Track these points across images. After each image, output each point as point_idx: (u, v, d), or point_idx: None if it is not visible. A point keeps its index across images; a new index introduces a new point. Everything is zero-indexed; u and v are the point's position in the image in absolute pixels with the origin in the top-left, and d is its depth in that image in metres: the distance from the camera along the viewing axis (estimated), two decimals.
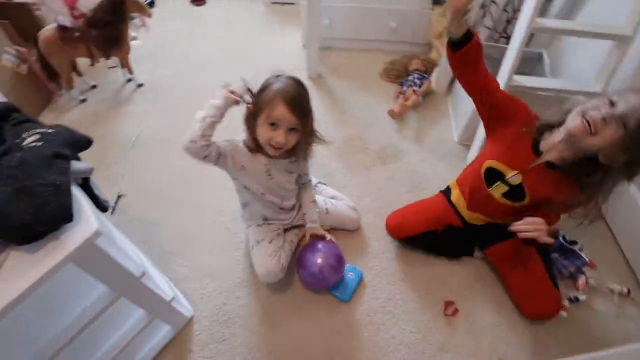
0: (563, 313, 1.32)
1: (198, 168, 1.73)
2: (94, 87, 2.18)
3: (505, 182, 1.16)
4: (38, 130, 0.82)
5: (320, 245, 1.31)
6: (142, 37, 2.56)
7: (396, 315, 1.32)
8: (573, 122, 0.96)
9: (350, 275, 1.38)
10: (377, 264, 1.45)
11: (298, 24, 2.68)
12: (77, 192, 0.79)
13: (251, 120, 1.08)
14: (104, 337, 1.04)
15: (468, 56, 1.07)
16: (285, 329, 1.28)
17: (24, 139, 0.80)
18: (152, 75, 2.27)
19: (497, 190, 1.20)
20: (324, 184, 1.63)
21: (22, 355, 0.81)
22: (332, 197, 1.56)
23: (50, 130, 0.83)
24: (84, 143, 0.90)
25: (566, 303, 1.34)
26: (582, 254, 1.41)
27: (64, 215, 0.68)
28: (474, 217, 1.35)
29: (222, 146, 1.10)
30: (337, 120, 2.03)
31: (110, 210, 1.57)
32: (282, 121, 1.02)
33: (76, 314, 0.86)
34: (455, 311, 1.33)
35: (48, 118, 1.98)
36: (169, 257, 1.44)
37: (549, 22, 1.41)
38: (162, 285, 1.14)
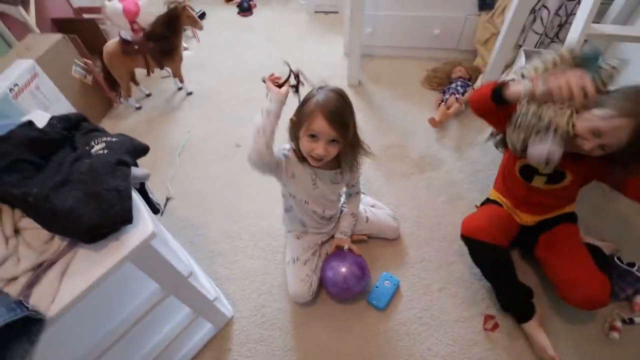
0: (615, 334, 1.23)
1: (240, 173, 1.84)
2: (148, 95, 2.35)
3: (541, 174, 1.21)
4: (104, 139, 0.91)
5: (344, 255, 1.33)
6: (192, 48, 2.72)
7: (432, 326, 1.30)
8: (580, 125, 1.00)
9: (386, 284, 1.38)
10: (414, 273, 1.44)
11: (340, 32, 2.72)
12: (135, 197, 0.87)
13: (294, 131, 1.12)
14: (152, 333, 1.12)
15: (504, 113, 1.12)
16: (320, 334, 1.30)
17: (92, 147, 0.89)
18: (201, 84, 2.41)
19: (538, 182, 1.24)
20: (363, 193, 1.64)
21: (80, 347, 0.89)
22: (372, 206, 1.57)
23: (114, 139, 0.92)
24: (142, 150, 0.99)
25: (619, 324, 1.26)
26: None
27: (125, 218, 0.75)
28: (526, 218, 1.35)
29: (278, 155, 1.15)
30: (376, 128, 2.03)
31: (160, 213, 1.68)
32: (321, 134, 1.04)
33: (130, 310, 0.94)
34: (496, 326, 1.29)
35: (108, 124, 2.16)
36: (212, 258, 1.52)
37: (605, 27, 1.34)
38: (206, 284, 1.21)
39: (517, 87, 1.00)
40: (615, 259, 1.35)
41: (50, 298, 0.71)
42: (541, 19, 1.98)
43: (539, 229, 1.33)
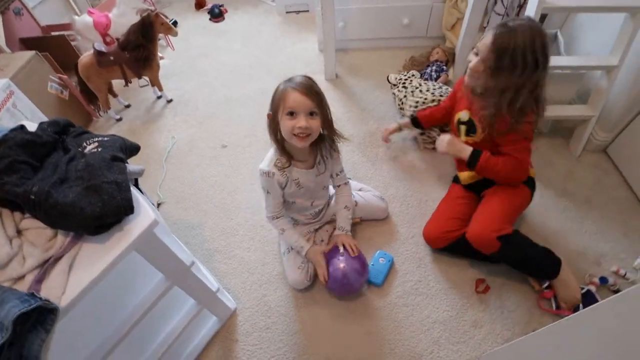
0: (592, 287, 1.30)
1: (229, 172, 1.87)
2: (128, 106, 2.35)
3: (463, 123, 1.41)
4: (96, 139, 0.93)
5: (343, 250, 1.33)
6: (168, 56, 2.73)
7: (429, 296, 1.36)
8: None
9: (381, 261, 1.43)
10: (407, 249, 1.50)
11: (313, 30, 2.78)
12: (133, 189, 0.89)
13: (273, 124, 1.14)
14: (159, 327, 1.14)
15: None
16: (322, 316, 1.34)
17: (85, 147, 0.91)
18: (180, 90, 2.42)
19: (462, 133, 1.42)
20: (349, 178, 1.69)
21: (92, 341, 0.91)
22: (359, 190, 1.62)
23: (106, 138, 0.94)
24: (134, 149, 1.01)
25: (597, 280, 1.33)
26: None
27: (127, 207, 0.77)
28: (466, 177, 1.47)
29: (279, 180, 1.22)
30: (357, 117, 2.09)
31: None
32: (299, 107, 1.06)
33: (136, 302, 0.96)
34: (487, 288, 1.35)
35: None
36: (210, 256, 1.54)
37: (560, 0, 1.43)
38: (208, 276, 1.23)
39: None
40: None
41: (60, 290, 0.73)
42: (502, 0, 2.09)
43: (481, 188, 1.43)
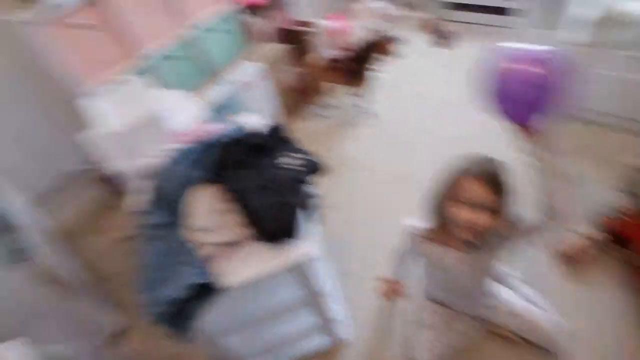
0: None
1: (396, 200, 1.85)
2: (334, 107, 2.60)
3: None
4: (298, 156, 1.06)
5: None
6: (384, 70, 2.84)
7: None
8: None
9: None
10: None
11: None
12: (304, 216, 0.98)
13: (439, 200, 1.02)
14: (279, 328, 1.26)
15: None
16: None
17: (287, 160, 1.05)
18: (384, 108, 2.50)
19: None
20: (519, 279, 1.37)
21: (229, 320, 1.07)
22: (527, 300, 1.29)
23: (306, 158, 1.06)
24: (322, 171, 1.11)
25: None
26: None
27: (292, 233, 0.87)
28: None
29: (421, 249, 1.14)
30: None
31: None
32: (474, 198, 0.92)
33: (274, 305, 1.09)
34: None
35: (295, 123, 2.49)
36: (347, 277, 1.58)
37: None
38: (335, 304, 1.28)
39: None
40: None
41: (227, 273, 0.88)
42: None
43: None
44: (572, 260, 1.42)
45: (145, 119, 1.29)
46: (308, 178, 1.03)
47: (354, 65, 2.23)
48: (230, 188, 0.96)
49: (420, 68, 2.85)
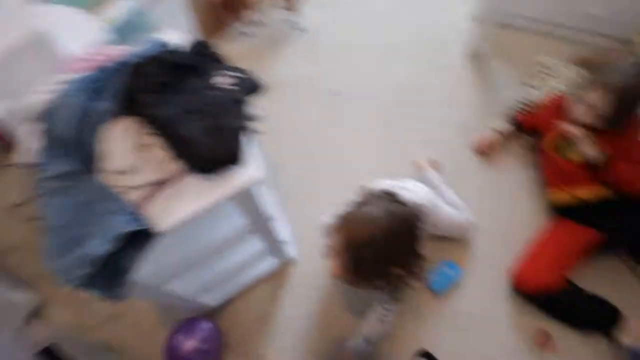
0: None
1: (337, 122, 1.82)
2: (260, 24, 2.34)
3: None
4: (232, 74, 0.93)
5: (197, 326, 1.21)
6: None
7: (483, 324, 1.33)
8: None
9: (448, 271, 1.38)
10: (484, 272, 1.42)
11: None
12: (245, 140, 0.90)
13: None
14: (224, 259, 1.22)
15: None
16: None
17: (219, 79, 0.92)
18: (317, 21, 2.30)
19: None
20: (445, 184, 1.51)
21: (171, 261, 1.01)
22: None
23: (242, 76, 0.94)
24: (260, 90, 1.00)
25: None
26: None
27: (236, 158, 0.79)
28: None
29: None
30: (487, 112, 1.83)
31: None
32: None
33: (218, 239, 1.04)
34: (550, 345, 1.25)
35: (216, 45, 2.22)
36: (287, 199, 1.58)
37: None
38: (280, 225, 1.28)
39: None
40: None
41: (160, 215, 0.80)
42: None
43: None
44: (486, 151, 1.66)
45: (26, 40, 1.03)
46: (246, 98, 0.93)
47: None
48: (151, 118, 0.84)
49: None
